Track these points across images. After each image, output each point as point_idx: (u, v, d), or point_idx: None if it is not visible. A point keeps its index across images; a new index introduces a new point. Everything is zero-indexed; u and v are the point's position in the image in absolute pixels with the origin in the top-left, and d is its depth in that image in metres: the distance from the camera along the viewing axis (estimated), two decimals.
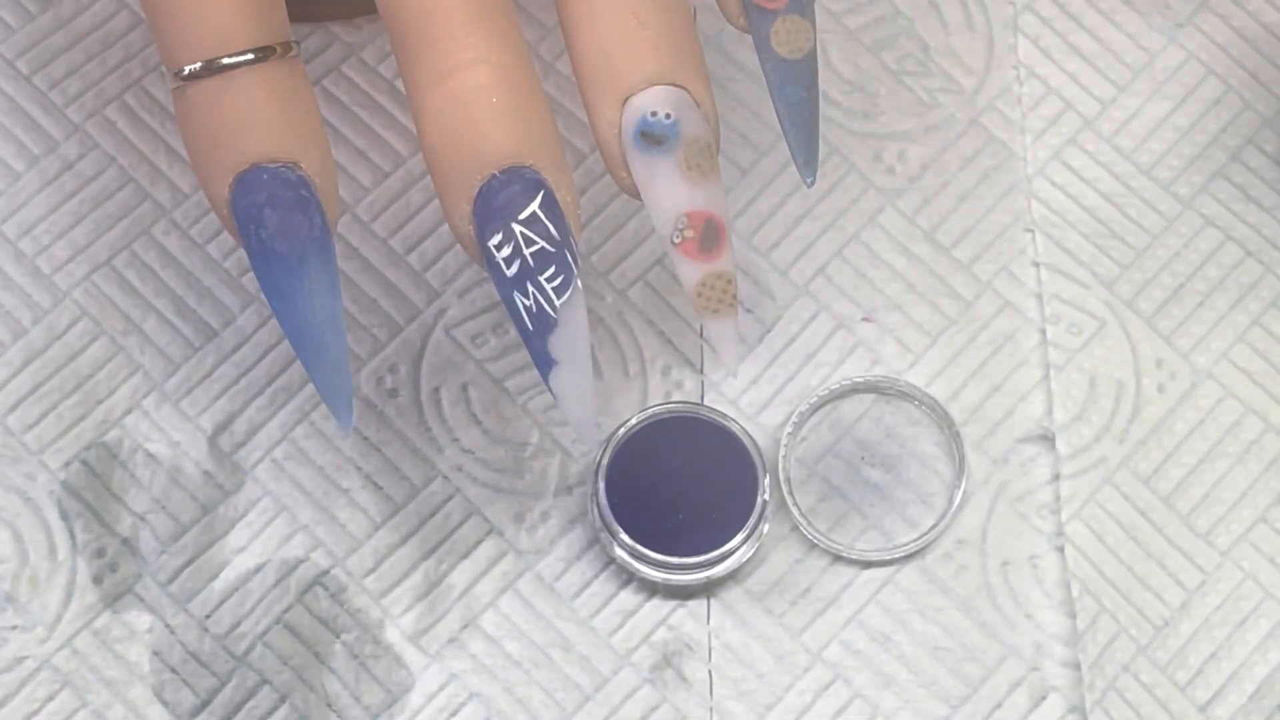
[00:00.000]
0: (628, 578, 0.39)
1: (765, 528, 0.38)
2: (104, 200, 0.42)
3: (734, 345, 0.35)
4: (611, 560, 0.39)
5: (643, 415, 0.39)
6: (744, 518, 0.38)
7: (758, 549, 0.38)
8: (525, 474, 0.40)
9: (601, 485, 0.38)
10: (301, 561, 0.39)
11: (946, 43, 0.44)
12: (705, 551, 0.38)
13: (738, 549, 0.38)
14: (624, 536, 0.37)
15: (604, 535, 0.38)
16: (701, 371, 0.41)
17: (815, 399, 0.40)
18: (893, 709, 0.38)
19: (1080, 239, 0.42)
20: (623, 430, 0.38)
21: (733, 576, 0.39)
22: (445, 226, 0.41)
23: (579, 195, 0.34)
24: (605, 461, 0.38)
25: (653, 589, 0.39)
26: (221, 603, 0.39)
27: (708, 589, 0.39)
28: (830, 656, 0.39)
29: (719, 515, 0.38)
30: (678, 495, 0.38)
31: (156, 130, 0.42)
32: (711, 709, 0.38)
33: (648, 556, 0.38)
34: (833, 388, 0.40)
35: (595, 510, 0.38)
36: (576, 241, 0.33)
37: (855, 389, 0.40)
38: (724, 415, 0.39)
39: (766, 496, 0.38)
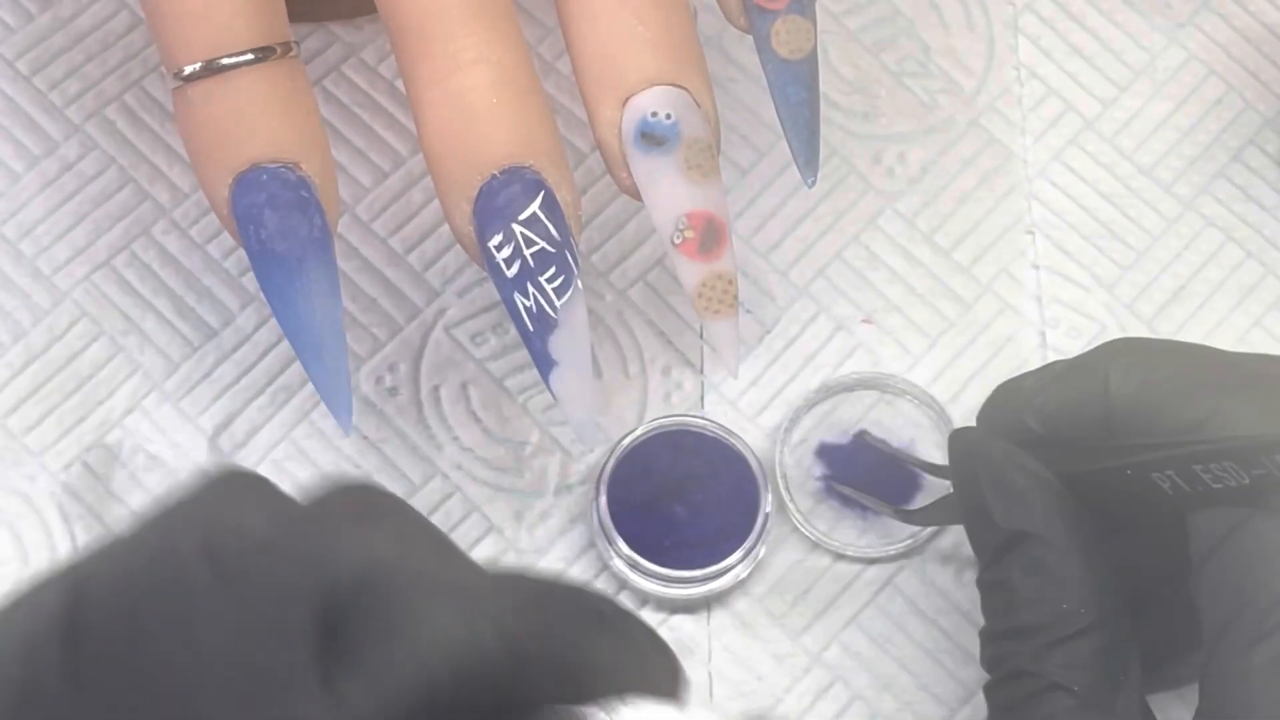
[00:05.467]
0: None
1: (762, 551, 0.38)
2: (104, 200, 0.42)
3: (734, 346, 0.35)
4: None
5: (647, 427, 0.38)
6: (745, 533, 0.37)
7: (757, 564, 0.38)
8: (525, 473, 0.40)
9: (603, 499, 0.37)
10: None
11: (947, 44, 0.44)
12: (704, 566, 0.37)
13: (736, 565, 0.37)
14: (623, 547, 0.37)
15: (603, 545, 0.38)
16: (701, 372, 0.41)
17: (813, 395, 0.40)
18: (892, 711, 0.38)
19: (1080, 241, 0.42)
20: (627, 440, 0.38)
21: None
22: (445, 226, 0.41)
23: (579, 195, 0.34)
24: (607, 474, 0.38)
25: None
26: None
27: (708, 602, 0.39)
28: (830, 658, 0.39)
29: (720, 531, 0.37)
30: (679, 510, 0.38)
31: (156, 130, 0.42)
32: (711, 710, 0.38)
33: (651, 570, 0.37)
34: (831, 384, 0.40)
35: (596, 519, 0.38)
36: (577, 242, 0.33)
37: (858, 384, 0.40)
38: (729, 431, 0.38)
39: (769, 510, 0.38)
